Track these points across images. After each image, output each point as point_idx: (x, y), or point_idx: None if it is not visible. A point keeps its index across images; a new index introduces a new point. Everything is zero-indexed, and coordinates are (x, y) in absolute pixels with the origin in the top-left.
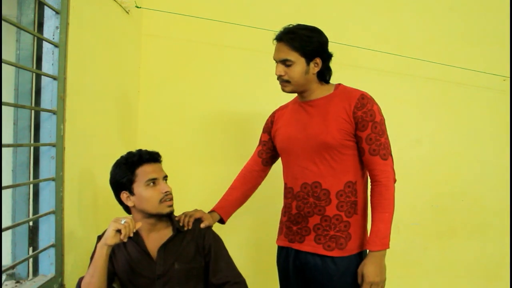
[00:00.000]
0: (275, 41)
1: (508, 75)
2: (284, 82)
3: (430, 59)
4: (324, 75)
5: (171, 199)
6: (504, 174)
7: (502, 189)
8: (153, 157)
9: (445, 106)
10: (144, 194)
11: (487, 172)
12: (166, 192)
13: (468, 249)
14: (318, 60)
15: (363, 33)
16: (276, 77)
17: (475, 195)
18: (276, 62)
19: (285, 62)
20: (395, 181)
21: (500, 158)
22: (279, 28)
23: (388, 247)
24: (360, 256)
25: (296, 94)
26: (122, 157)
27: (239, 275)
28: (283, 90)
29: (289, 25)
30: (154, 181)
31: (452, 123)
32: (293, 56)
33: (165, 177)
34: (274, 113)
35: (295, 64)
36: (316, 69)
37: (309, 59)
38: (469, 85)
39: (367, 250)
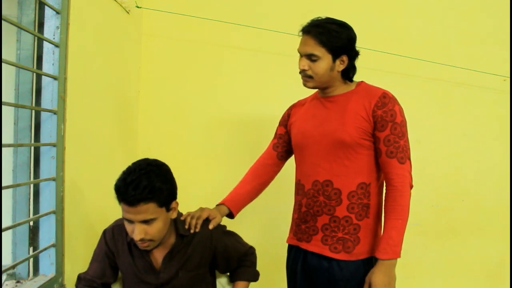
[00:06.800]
0: (301, 33)
1: (508, 75)
2: (307, 77)
3: (430, 59)
4: (348, 73)
5: (144, 243)
6: (504, 174)
7: (502, 189)
8: (130, 201)
9: (445, 106)
10: (125, 224)
11: (487, 172)
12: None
13: (468, 249)
14: (345, 58)
15: (363, 33)
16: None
17: (475, 195)
18: (301, 55)
19: (310, 57)
20: (411, 186)
21: (500, 158)
22: (279, 28)
23: (399, 256)
24: (369, 262)
25: (315, 90)
26: (121, 173)
27: (247, 251)
28: (305, 86)
29: (318, 17)
30: (129, 221)
31: (452, 123)
32: (320, 51)
33: (145, 221)
34: (292, 106)
35: (321, 59)
36: (342, 67)
37: (335, 56)
38: (469, 85)
39: (377, 258)
